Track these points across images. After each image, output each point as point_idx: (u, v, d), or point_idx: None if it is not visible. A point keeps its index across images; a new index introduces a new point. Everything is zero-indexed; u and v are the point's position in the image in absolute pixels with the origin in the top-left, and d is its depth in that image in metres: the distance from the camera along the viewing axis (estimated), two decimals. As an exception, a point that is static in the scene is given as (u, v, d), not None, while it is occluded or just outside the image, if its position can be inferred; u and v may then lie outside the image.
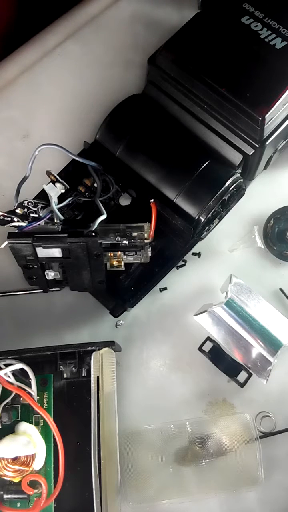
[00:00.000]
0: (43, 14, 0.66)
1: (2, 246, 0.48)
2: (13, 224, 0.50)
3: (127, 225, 0.51)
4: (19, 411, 0.49)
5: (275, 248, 0.56)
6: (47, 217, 0.50)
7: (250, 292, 0.52)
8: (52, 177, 0.50)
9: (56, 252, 0.47)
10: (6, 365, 0.47)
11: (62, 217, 0.50)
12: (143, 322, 0.55)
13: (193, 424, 0.50)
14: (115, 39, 0.64)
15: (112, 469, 0.47)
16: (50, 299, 0.55)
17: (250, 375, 0.52)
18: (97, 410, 0.45)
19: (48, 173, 0.50)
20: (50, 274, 0.50)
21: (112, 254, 0.51)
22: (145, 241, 0.51)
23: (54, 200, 0.50)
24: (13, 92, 0.63)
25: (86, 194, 0.55)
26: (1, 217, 0.49)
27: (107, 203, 0.55)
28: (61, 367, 0.50)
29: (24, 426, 0.48)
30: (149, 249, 0.52)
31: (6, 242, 0.46)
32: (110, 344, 0.48)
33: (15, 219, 0.50)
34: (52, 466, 0.48)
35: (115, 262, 0.52)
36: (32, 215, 0.51)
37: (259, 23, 0.51)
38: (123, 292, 0.53)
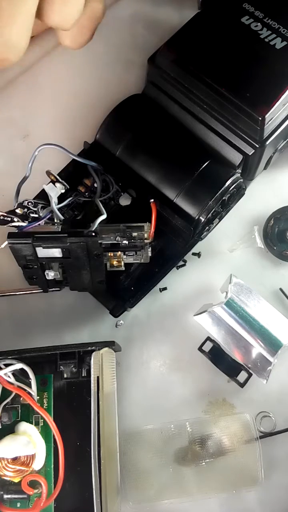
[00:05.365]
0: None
1: (2, 246, 0.48)
2: (13, 224, 0.50)
3: (127, 225, 0.51)
4: (19, 411, 0.49)
5: (275, 248, 0.56)
6: (47, 217, 0.50)
7: (250, 292, 0.52)
8: (52, 177, 0.50)
9: (56, 252, 0.47)
10: (6, 365, 0.47)
11: (62, 217, 0.50)
12: (143, 322, 0.55)
13: (193, 424, 0.50)
14: (115, 39, 0.64)
15: (112, 469, 0.47)
16: (50, 299, 0.55)
17: (250, 375, 0.52)
18: (97, 410, 0.45)
19: (48, 173, 0.50)
20: (50, 274, 0.50)
21: (112, 254, 0.51)
22: (145, 241, 0.51)
23: (54, 200, 0.50)
24: (13, 92, 0.63)
25: (86, 194, 0.55)
26: (1, 217, 0.49)
27: (107, 203, 0.55)
28: (61, 367, 0.50)
29: (24, 426, 0.48)
30: (149, 249, 0.51)
31: (6, 242, 0.46)
32: (110, 344, 0.48)
33: (15, 219, 0.50)
34: (52, 466, 0.48)
35: (115, 262, 0.52)
36: (32, 215, 0.51)
37: (259, 23, 0.51)
38: (123, 292, 0.53)
